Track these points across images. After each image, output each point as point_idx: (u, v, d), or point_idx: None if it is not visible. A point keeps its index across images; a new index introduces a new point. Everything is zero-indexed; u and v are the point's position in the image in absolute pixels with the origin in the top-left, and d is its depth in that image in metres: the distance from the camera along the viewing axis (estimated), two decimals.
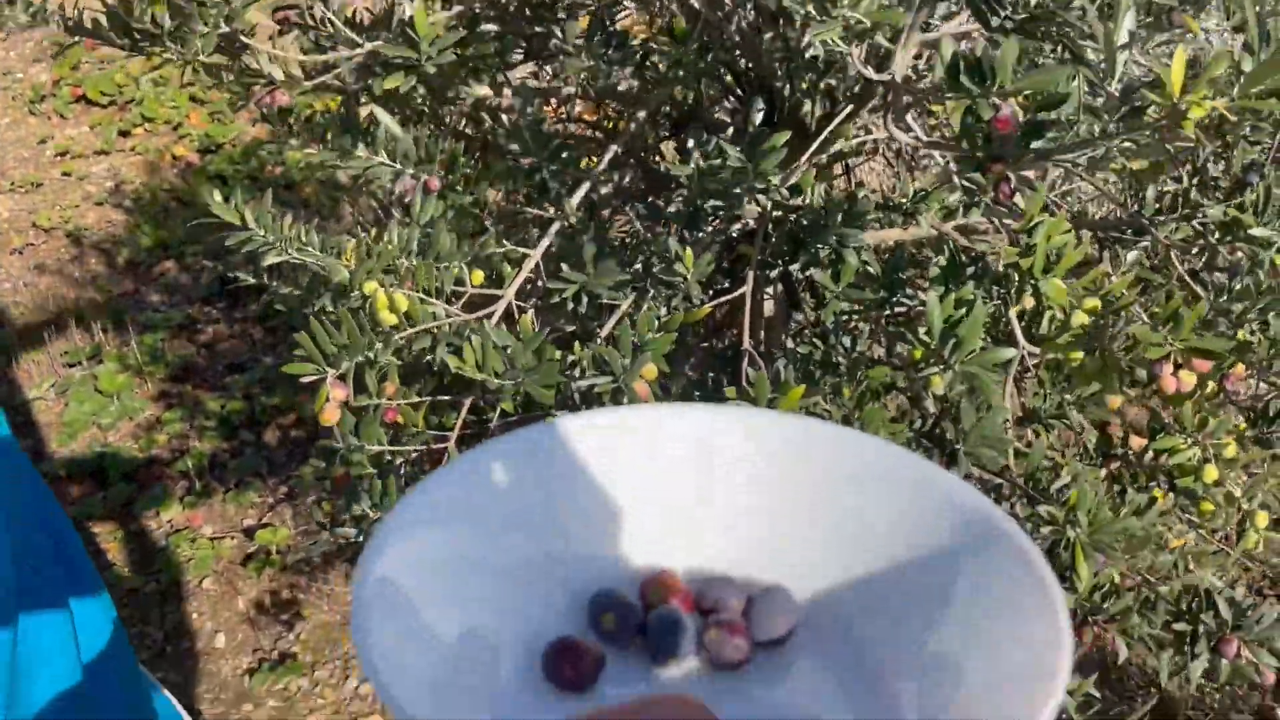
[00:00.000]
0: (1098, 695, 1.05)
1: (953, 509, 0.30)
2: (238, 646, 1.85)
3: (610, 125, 1.44)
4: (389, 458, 1.05)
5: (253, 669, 1.80)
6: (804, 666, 0.31)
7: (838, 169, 1.33)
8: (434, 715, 0.22)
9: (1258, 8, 0.59)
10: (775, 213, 1.08)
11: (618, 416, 0.33)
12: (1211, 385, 0.84)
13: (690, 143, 1.01)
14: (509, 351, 0.95)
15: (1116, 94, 0.63)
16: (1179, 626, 0.84)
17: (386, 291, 0.97)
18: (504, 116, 1.29)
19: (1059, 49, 0.76)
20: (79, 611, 0.54)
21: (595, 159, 1.26)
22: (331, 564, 1.97)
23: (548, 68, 1.31)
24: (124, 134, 3.18)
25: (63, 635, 0.52)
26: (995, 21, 0.69)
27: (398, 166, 1.01)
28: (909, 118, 0.99)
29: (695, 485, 0.33)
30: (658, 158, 1.43)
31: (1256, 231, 0.79)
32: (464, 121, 1.33)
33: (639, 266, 1.13)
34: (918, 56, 0.94)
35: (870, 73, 0.68)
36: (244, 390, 2.34)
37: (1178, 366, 0.74)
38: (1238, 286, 0.98)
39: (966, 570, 0.29)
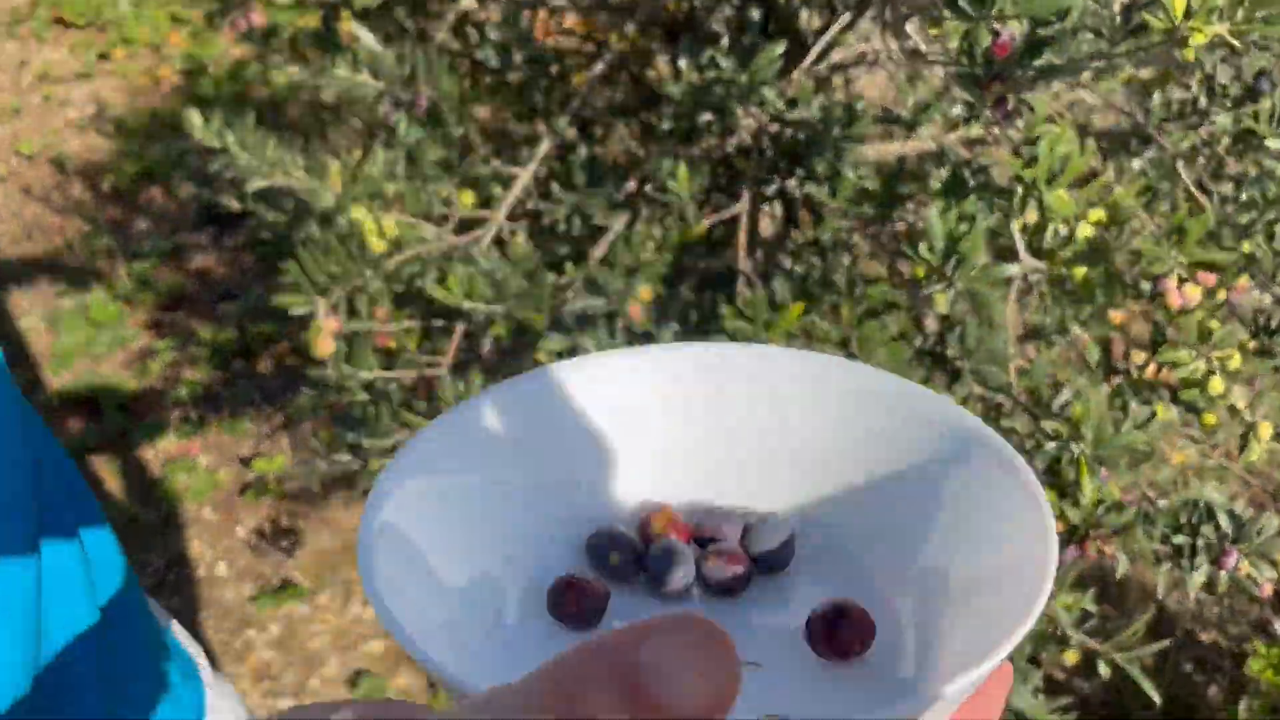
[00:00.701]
0: (1095, 610, 1.06)
1: (932, 423, 0.31)
2: (239, 574, 1.86)
3: (601, 38, 1.40)
4: (382, 384, 1.04)
5: (254, 596, 1.81)
6: (802, 591, 0.31)
7: (836, 81, 1.30)
8: (449, 655, 0.23)
9: None
10: (772, 127, 1.05)
11: (606, 360, 0.34)
12: (1219, 294, 0.83)
13: (682, 58, 0.98)
14: (498, 276, 0.93)
15: (1118, 12, 0.61)
16: (1178, 539, 0.84)
17: (374, 216, 0.95)
18: (490, 31, 1.25)
19: None
20: (91, 548, 0.53)
21: (585, 74, 1.23)
22: (330, 491, 1.98)
23: None
24: (104, 56, 3.11)
25: (78, 573, 0.51)
26: None
27: (380, 85, 0.97)
28: (909, 27, 0.96)
29: (687, 424, 0.34)
30: (650, 72, 1.39)
31: (1272, 144, 0.77)
32: (450, 37, 1.29)
33: (632, 185, 1.10)
34: None
35: None
36: (236, 318, 2.32)
37: (1182, 281, 0.72)
38: (1244, 197, 0.96)
39: (951, 481, 0.30)
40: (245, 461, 2.05)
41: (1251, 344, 0.94)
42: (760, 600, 0.31)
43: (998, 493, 0.28)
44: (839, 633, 0.28)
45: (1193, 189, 0.91)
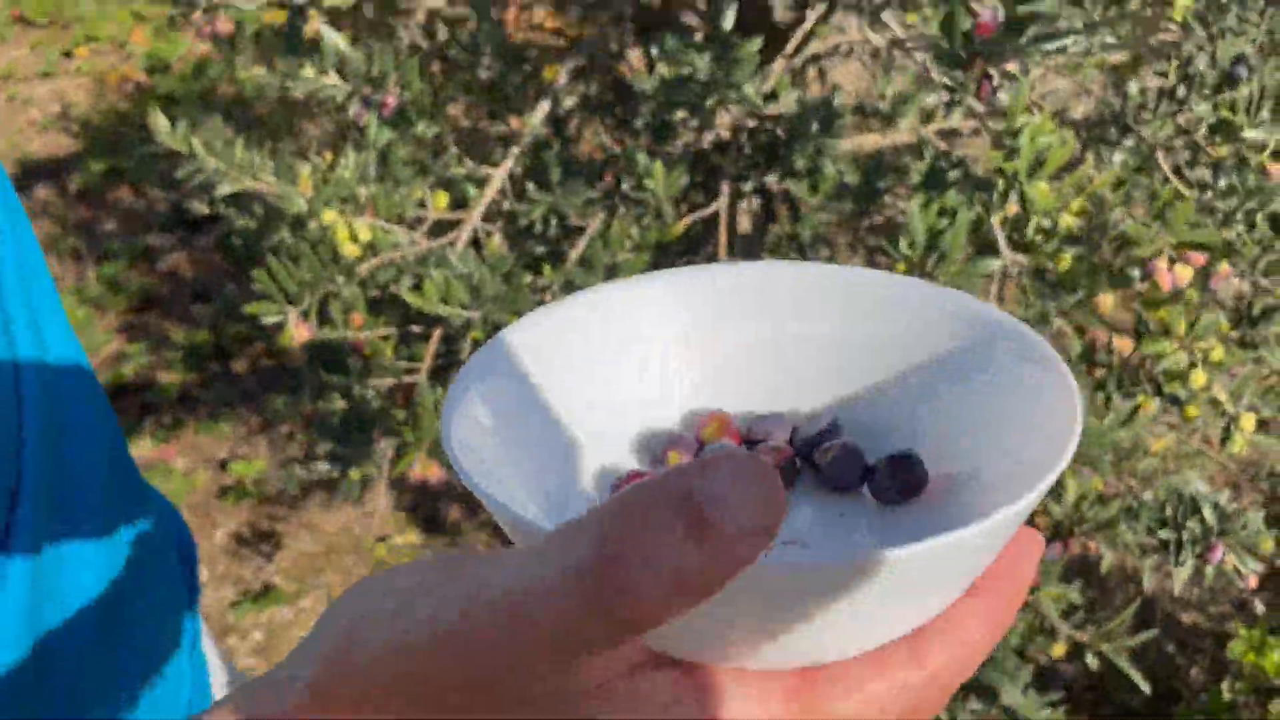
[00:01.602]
0: (1080, 603, 1.06)
1: (963, 317, 0.33)
2: (219, 579, 1.84)
3: (574, 33, 1.38)
4: (359, 392, 1.03)
5: (235, 601, 1.79)
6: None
7: (812, 73, 1.28)
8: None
9: None
10: (749, 121, 1.04)
11: (652, 281, 0.36)
12: (1195, 290, 0.82)
13: (656, 52, 0.96)
14: (475, 280, 0.92)
15: None
16: (1164, 534, 0.83)
17: (346, 221, 0.93)
18: (461, 33, 1.23)
19: None
20: (123, 536, 0.51)
21: (558, 69, 1.21)
22: (310, 494, 1.96)
23: None
24: (67, 55, 3.06)
25: (92, 574, 0.49)
26: None
27: (349, 87, 0.95)
28: (886, 16, 0.95)
29: (731, 337, 0.36)
30: (624, 67, 1.37)
31: (1249, 134, 0.76)
32: (419, 33, 1.27)
33: (608, 180, 1.09)
34: None
35: None
36: (210, 319, 2.29)
37: (1172, 262, 0.72)
38: (1223, 184, 0.96)
39: (982, 364, 0.32)
40: (223, 464, 2.03)
41: (1233, 333, 0.94)
42: (811, 488, 0.34)
43: (1024, 370, 0.30)
44: (898, 474, 0.31)
45: (1171, 177, 0.91)
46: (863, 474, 0.33)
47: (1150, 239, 0.70)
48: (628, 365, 0.35)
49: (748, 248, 1.18)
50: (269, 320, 0.85)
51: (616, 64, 1.33)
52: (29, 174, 2.70)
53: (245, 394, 2.15)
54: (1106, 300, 0.83)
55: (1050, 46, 0.67)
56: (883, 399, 0.34)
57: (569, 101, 1.24)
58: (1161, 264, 0.72)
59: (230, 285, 2.37)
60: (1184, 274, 0.73)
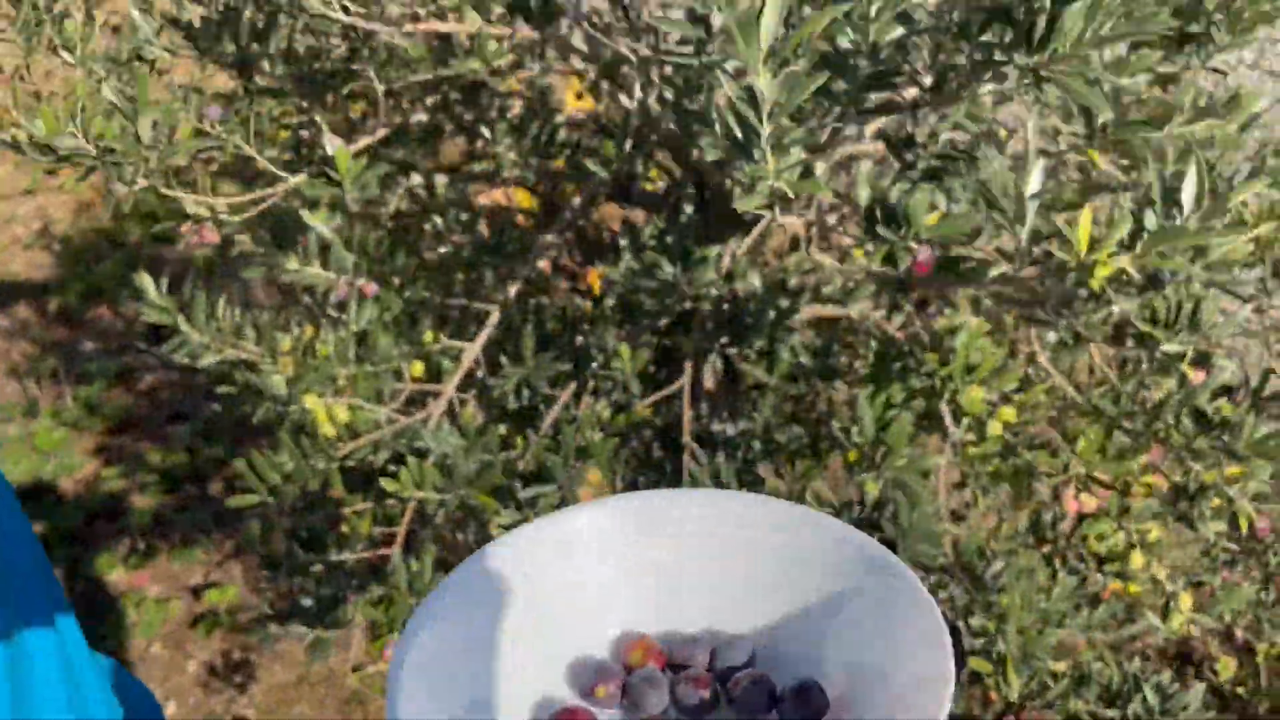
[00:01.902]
0: None
1: (861, 558, 0.37)
2: (189, 713, 1.83)
3: (548, 193, 1.45)
4: (337, 557, 1.06)
5: None
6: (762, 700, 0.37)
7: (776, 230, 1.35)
8: None
9: (1160, 168, 0.62)
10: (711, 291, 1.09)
11: (581, 513, 0.40)
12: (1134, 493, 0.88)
13: (623, 241, 1.02)
14: (449, 459, 0.96)
15: (1025, 241, 0.66)
16: (1110, 713, 0.87)
17: (326, 405, 0.97)
18: (439, 193, 1.28)
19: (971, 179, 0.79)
20: (65, 634, 0.54)
21: (534, 228, 1.27)
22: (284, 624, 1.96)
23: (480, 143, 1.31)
24: (50, 172, 3.11)
25: (54, 661, 0.52)
26: (909, 157, 0.71)
27: (332, 275, 1.00)
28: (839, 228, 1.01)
29: (656, 561, 0.40)
30: (597, 219, 1.44)
31: (1168, 348, 0.82)
32: (404, 198, 1.33)
33: (579, 341, 1.14)
34: (840, 168, 0.96)
35: (786, 220, 0.70)
36: (187, 441, 2.31)
37: (1079, 490, 0.78)
38: (1159, 354, 1.02)
39: (875, 605, 0.36)
40: (196, 592, 2.03)
41: (1172, 507, 0.99)
42: (730, 714, 0.37)
43: (909, 611, 0.35)
44: (802, 703, 0.35)
45: (1101, 364, 0.97)
46: (771, 702, 0.37)
47: (1056, 469, 0.76)
48: (565, 593, 0.39)
49: (713, 408, 1.23)
50: (254, 513, 0.89)
51: (588, 221, 1.39)
52: (10, 294, 2.74)
53: (220, 517, 2.16)
54: (1020, 513, 0.89)
55: (982, 290, 0.74)
56: (789, 625, 0.39)
57: (542, 263, 1.30)
58: (1070, 493, 0.78)
59: (208, 404, 2.39)
60: (1090, 503, 0.78)
